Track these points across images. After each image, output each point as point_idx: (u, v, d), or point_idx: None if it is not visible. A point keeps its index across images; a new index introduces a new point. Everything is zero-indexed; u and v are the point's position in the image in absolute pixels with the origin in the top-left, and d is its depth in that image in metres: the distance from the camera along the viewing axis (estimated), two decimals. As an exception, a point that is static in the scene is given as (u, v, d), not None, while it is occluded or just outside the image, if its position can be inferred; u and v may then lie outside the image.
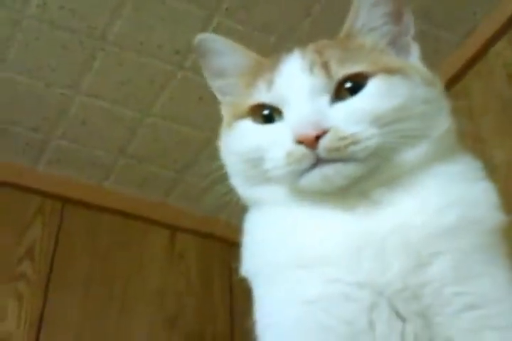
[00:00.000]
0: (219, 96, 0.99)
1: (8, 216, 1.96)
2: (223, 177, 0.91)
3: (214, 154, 0.93)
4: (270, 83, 0.85)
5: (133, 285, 2.00)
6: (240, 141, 0.87)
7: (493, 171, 1.51)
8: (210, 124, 1.00)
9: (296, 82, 0.83)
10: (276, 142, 0.81)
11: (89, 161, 2.00)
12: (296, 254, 0.80)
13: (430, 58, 1.81)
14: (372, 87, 0.82)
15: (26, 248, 1.93)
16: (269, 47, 1.72)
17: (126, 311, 1.95)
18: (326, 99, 0.81)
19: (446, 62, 1.78)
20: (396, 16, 0.90)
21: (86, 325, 1.88)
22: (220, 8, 1.64)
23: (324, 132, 0.77)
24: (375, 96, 0.81)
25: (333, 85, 0.82)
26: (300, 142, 0.77)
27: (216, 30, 1.67)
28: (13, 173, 1.99)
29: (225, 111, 0.97)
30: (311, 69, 0.83)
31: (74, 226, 2.04)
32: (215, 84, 0.98)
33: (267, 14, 1.67)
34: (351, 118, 0.79)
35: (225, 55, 0.95)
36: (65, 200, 2.06)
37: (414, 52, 0.91)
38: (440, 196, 0.80)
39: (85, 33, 1.68)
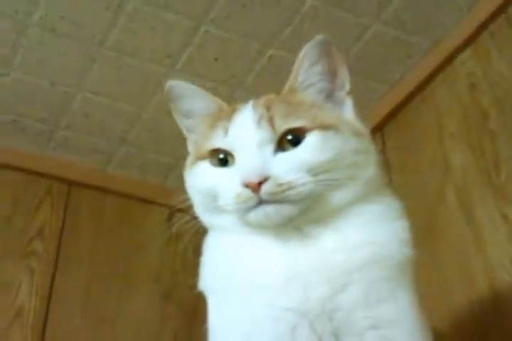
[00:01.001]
0: (186, 134, 1.14)
1: (19, 198, 2.13)
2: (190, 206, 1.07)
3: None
4: (226, 131, 1.00)
5: (134, 262, 2.18)
6: (200, 180, 1.03)
7: (449, 174, 1.69)
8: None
9: (246, 133, 0.98)
10: (227, 184, 0.97)
11: (93, 148, 2.17)
12: (239, 280, 0.97)
13: (404, 62, 1.96)
14: (310, 142, 0.97)
15: (37, 228, 2.11)
16: (253, 53, 1.88)
17: (127, 285, 2.13)
18: (270, 149, 0.97)
19: (417, 67, 1.91)
20: (331, 74, 1.05)
21: (91, 298, 2.07)
22: (206, 18, 1.78)
23: (266, 179, 0.92)
24: (311, 149, 0.96)
25: (276, 137, 0.97)
26: (246, 186, 0.93)
27: (203, 38, 1.82)
28: (23, 159, 2.16)
29: (191, 149, 1.13)
30: (259, 123, 0.98)
31: (79, 207, 2.21)
32: (183, 124, 1.14)
33: (250, 23, 1.80)
34: (290, 167, 0.94)
35: (191, 99, 1.11)
36: (71, 183, 2.22)
37: (348, 106, 1.06)
38: (359, 234, 0.97)
39: (85, 40, 1.82)
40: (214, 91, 1.91)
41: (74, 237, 2.16)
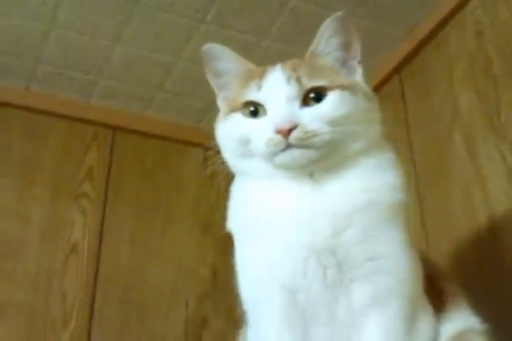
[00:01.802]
0: (216, 91, 1.29)
1: (68, 145, 2.32)
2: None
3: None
4: (259, 87, 1.16)
5: (174, 198, 2.37)
6: (233, 129, 1.18)
7: (457, 115, 1.83)
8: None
9: (277, 89, 1.14)
10: (260, 131, 1.13)
11: (133, 96, 2.35)
12: (259, 219, 1.15)
13: (418, 9, 2.06)
14: (331, 99, 1.14)
15: (86, 171, 2.30)
16: (276, 4, 2.02)
17: (169, 220, 2.33)
18: (297, 103, 1.13)
19: (429, 14, 2.02)
20: (347, 45, 1.21)
21: (138, 232, 2.28)
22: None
23: (295, 127, 1.09)
24: (332, 105, 1.13)
25: (302, 94, 1.14)
26: (278, 132, 1.09)
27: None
28: (71, 108, 2.35)
29: (221, 104, 1.28)
30: (288, 81, 1.14)
31: (123, 150, 2.39)
32: (215, 83, 1.28)
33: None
34: (314, 119, 1.11)
35: (225, 61, 1.25)
36: (115, 128, 2.40)
37: (359, 73, 1.22)
38: (359, 182, 1.14)
39: (122, -1, 2.00)
40: (242, 41, 2.09)
41: (120, 178, 2.35)
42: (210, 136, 1.24)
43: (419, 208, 1.89)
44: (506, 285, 1.59)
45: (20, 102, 2.30)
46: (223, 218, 1.26)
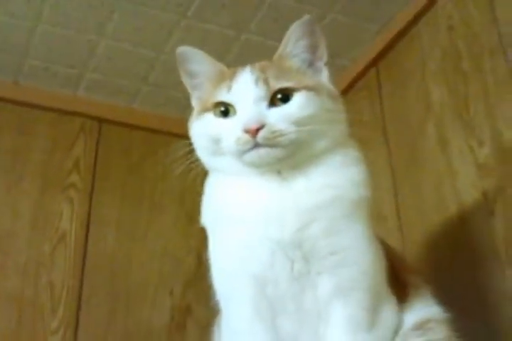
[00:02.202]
0: (190, 91, 1.36)
1: (56, 137, 2.37)
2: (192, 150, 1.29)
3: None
4: (229, 88, 1.22)
5: (159, 188, 2.43)
6: (205, 128, 1.25)
7: (430, 109, 1.88)
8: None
9: (246, 91, 1.20)
10: (230, 130, 1.18)
11: (118, 88, 2.41)
12: (229, 214, 1.21)
13: (392, 4, 2.11)
14: (297, 99, 1.19)
15: (73, 162, 2.35)
16: (255, 0, 2.07)
17: (155, 210, 2.39)
18: (265, 104, 1.18)
19: (403, 9, 2.07)
20: (313, 48, 1.27)
21: (124, 221, 2.33)
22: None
23: (262, 126, 1.14)
24: (298, 106, 1.18)
25: (270, 95, 1.19)
26: (246, 132, 1.15)
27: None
28: (58, 101, 2.39)
29: (195, 103, 1.35)
30: (256, 83, 1.20)
31: (110, 141, 2.45)
32: (189, 83, 1.35)
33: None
34: (280, 119, 1.16)
35: (198, 63, 1.32)
36: (101, 121, 2.45)
37: (325, 74, 1.28)
38: (323, 179, 1.19)
39: (105, -6, 2.04)
40: (222, 35, 2.13)
41: (106, 169, 2.40)
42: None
43: (395, 199, 1.94)
44: (476, 274, 1.64)
45: (8, 96, 2.34)
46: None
